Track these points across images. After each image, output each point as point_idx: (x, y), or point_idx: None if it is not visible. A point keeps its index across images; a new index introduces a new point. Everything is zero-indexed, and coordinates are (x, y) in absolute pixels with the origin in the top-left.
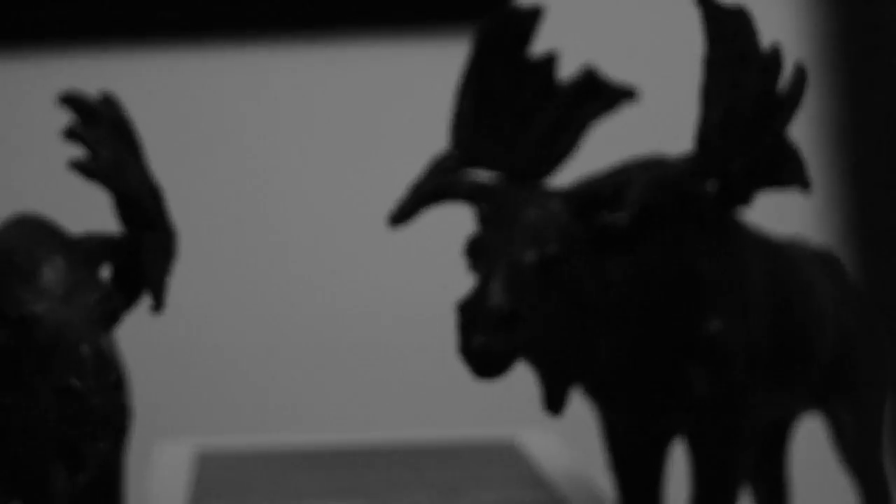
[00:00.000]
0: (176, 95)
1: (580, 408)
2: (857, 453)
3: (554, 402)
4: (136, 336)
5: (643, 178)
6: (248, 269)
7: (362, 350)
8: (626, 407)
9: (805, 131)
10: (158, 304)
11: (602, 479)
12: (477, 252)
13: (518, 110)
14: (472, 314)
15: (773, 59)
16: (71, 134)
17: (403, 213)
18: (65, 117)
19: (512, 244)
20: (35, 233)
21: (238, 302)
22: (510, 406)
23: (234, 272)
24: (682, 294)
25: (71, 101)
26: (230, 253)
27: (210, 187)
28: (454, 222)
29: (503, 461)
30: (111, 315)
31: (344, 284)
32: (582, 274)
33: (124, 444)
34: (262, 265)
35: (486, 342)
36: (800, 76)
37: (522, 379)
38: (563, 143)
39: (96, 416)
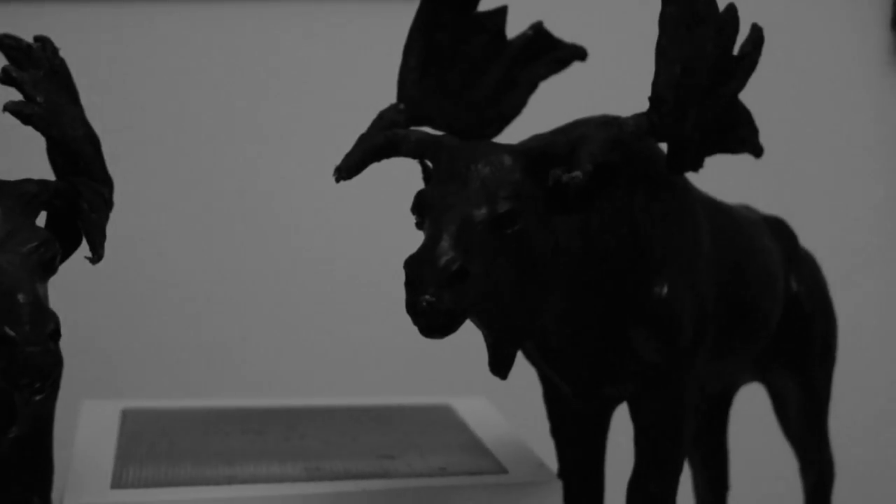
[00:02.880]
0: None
1: (518, 377)
2: (801, 423)
3: (500, 365)
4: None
5: (597, 136)
6: (174, 224)
7: (300, 310)
8: (570, 371)
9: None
10: (96, 255)
11: (538, 448)
12: (425, 208)
13: (466, 66)
14: (420, 271)
15: (730, 19)
16: (6, 77)
17: (350, 167)
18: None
19: (462, 200)
20: None
21: (164, 261)
22: (449, 374)
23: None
24: (631, 256)
25: (5, 44)
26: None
27: (176, 141)
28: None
29: (439, 427)
30: (48, 263)
31: (280, 241)
32: (533, 233)
33: (55, 398)
34: (180, 222)
35: (433, 300)
36: (756, 38)
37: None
38: (511, 101)
39: (31, 367)
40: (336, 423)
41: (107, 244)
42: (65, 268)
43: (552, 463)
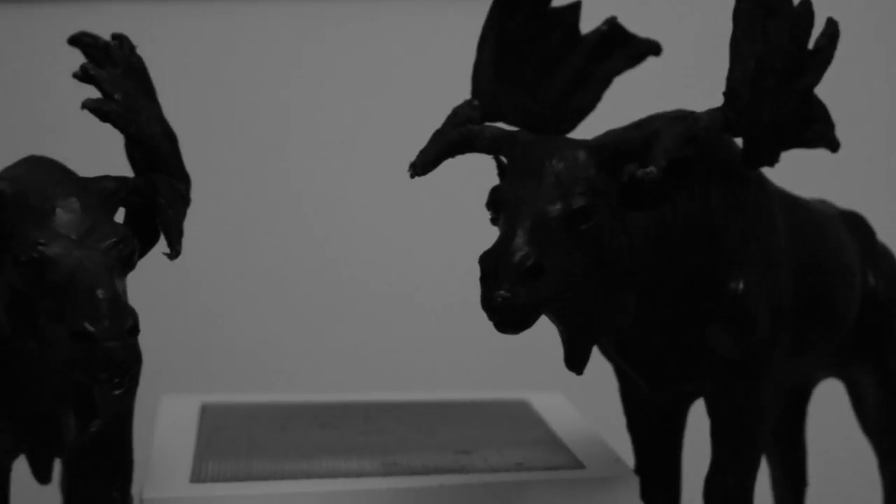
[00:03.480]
0: (202, 43)
1: (594, 371)
2: (880, 419)
3: (575, 360)
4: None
5: (672, 131)
6: (262, 223)
7: (379, 309)
8: (646, 366)
9: None
10: (174, 251)
11: (614, 443)
12: (500, 204)
13: (540, 61)
14: (494, 266)
15: (804, 13)
16: (84, 75)
17: (425, 164)
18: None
19: (537, 196)
20: (49, 174)
21: (250, 259)
22: (526, 369)
23: (248, 225)
24: (707, 251)
25: (82, 42)
26: (243, 205)
27: (227, 138)
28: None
29: (516, 422)
30: (127, 259)
31: (359, 239)
32: (607, 227)
33: (134, 393)
34: (274, 220)
35: (508, 295)
36: (832, 32)
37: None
38: (585, 96)
39: (110, 362)
40: (413, 418)
41: (188, 240)
42: (145, 263)
43: (629, 458)
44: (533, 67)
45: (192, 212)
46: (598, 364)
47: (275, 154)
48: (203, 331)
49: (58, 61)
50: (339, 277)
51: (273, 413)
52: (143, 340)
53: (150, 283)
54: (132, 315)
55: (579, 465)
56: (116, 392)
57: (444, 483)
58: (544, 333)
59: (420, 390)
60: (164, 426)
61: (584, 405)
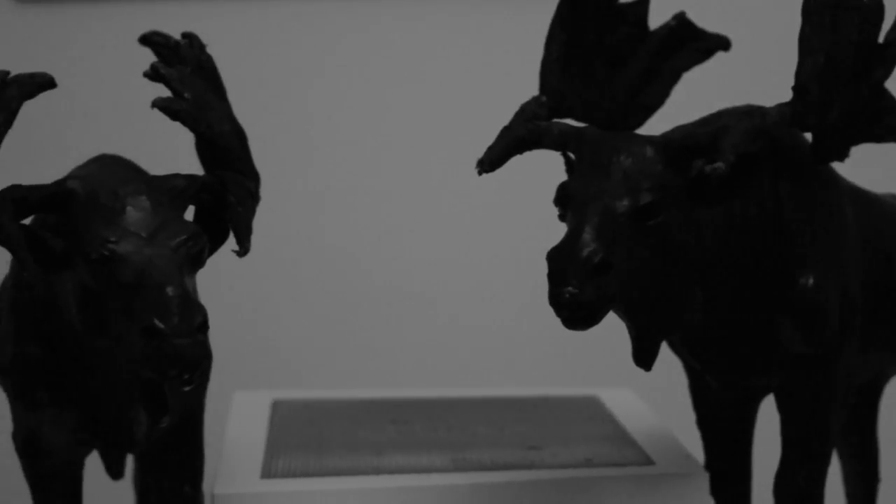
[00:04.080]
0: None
1: (664, 366)
2: None
3: (644, 356)
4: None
5: (740, 126)
6: (328, 220)
7: (449, 305)
8: (716, 362)
9: None
10: (243, 248)
11: (684, 439)
12: (567, 200)
13: (608, 57)
14: (562, 263)
15: (874, 7)
16: (154, 74)
17: (493, 160)
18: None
19: (604, 192)
20: (119, 172)
21: (324, 256)
22: (595, 365)
23: (315, 223)
24: (776, 247)
25: (153, 41)
26: (309, 202)
27: (294, 135)
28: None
29: (585, 418)
30: (197, 257)
31: (429, 237)
32: (675, 224)
33: (205, 389)
34: (348, 218)
35: (576, 291)
36: None
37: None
38: (654, 92)
39: (181, 359)
40: (483, 413)
41: (263, 237)
42: (216, 261)
43: (699, 454)
44: (601, 63)
45: (264, 209)
46: (668, 360)
47: (340, 150)
48: (275, 328)
49: (129, 60)
50: (411, 274)
51: (343, 409)
52: (216, 337)
53: (223, 280)
54: (201, 312)
55: (649, 462)
56: (186, 388)
57: (513, 479)
58: (614, 329)
59: (490, 386)
60: (236, 422)
61: (654, 401)
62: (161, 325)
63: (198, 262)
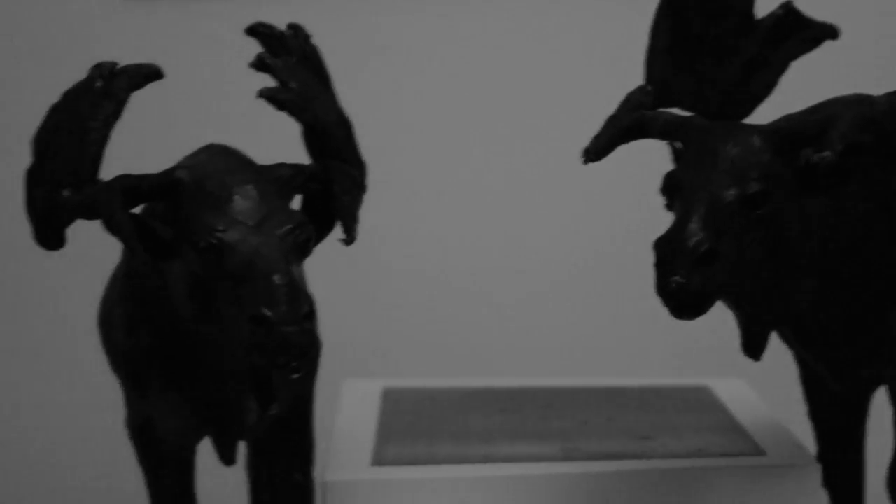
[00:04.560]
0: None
1: (776, 357)
2: None
3: (753, 347)
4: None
5: (848, 115)
6: (442, 209)
7: (559, 294)
8: (827, 353)
9: None
10: (349, 237)
11: (796, 430)
12: (674, 189)
13: (715, 46)
14: (669, 252)
15: None
16: (260, 64)
17: (598, 149)
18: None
19: (711, 181)
20: (226, 161)
21: (434, 243)
22: (707, 355)
23: (429, 211)
24: (887, 236)
25: (259, 32)
26: (426, 194)
27: (409, 125)
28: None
29: (696, 408)
30: (303, 245)
31: (536, 225)
32: (783, 213)
33: (314, 377)
34: (456, 207)
35: (683, 281)
36: None
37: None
38: (761, 82)
39: (288, 347)
40: (593, 403)
41: (367, 225)
42: (323, 250)
43: (810, 445)
44: (707, 53)
45: (373, 199)
46: (780, 350)
47: (443, 141)
48: (386, 315)
49: (236, 51)
50: (520, 262)
51: (453, 397)
52: (327, 325)
53: (334, 268)
54: (308, 300)
55: (760, 452)
56: (294, 377)
57: (624, 469)
58: (726, 319)
59: (601, 375)
60: (347, 410)
61: (766, 392)
62: (268, 314)
63: (304, 250)
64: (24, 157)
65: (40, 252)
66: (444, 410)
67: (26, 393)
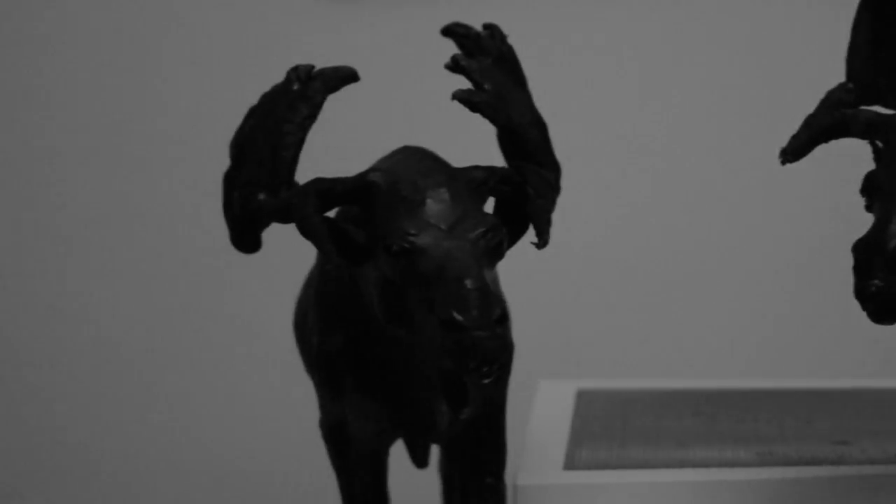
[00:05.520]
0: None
1: None
2: None
3: None
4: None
5: None
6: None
7: (750, 292)
8: None
9: None
10: (542, 240)
11: None
12: (874, 190)
13: None
14: (868, 255)
15: None
16: (455, 66)
17: (796, 149)
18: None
19: None
20: (420, 164)
21: (623, 240)
22: None
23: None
24: None
25: (455, 32)
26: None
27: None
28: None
29: None
30: (496, 249)
31: (732, 221)
32: None
33: (507, 381)
34: (649, 204)
35: (882, 284)
36: None
37: None
38: None
39: (479, 352)
40: (790, 405)
41: (569, 225)
42: (517, 254)
43: None
44: None
45: (566, 199)
46: None
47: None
48: (581, 316)
49: (432, 52)
50: (715, 262)
51: (647, 399)
52: (522, 326)
53: (528, 269)
54: (500, 304)
55: None
56: (485, 381)
57: (820, 475)
58: None
59: (798, 377)
60: (540, 412)
61: None
62: (460, 318)
63: (497, 254)
64: (223, 161)
65: (236, 255)
66: (638, 413)
67: (226, 395)
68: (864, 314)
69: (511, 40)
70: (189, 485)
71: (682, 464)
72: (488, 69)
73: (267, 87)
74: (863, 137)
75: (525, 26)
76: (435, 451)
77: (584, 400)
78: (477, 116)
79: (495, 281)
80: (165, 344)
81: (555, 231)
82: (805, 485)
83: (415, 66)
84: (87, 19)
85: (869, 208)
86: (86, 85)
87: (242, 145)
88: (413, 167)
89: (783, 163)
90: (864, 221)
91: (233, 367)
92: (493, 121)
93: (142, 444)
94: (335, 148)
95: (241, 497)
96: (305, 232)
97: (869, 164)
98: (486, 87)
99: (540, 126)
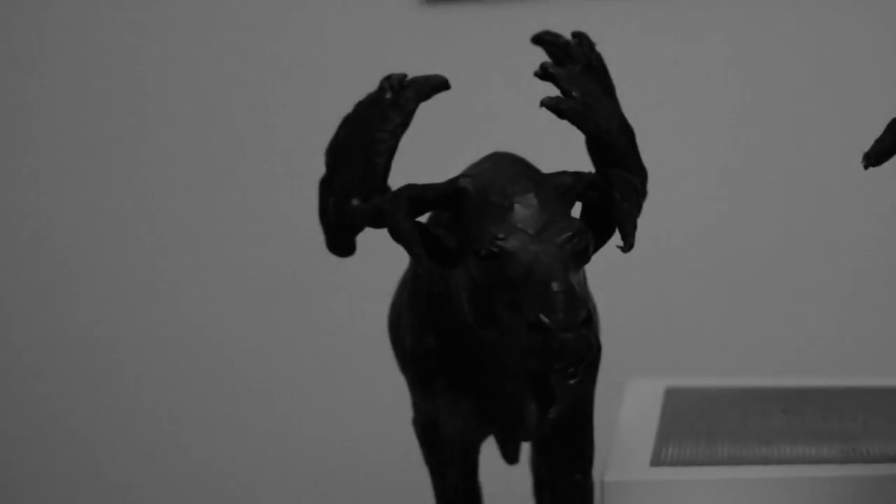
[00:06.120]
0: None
1: None
2: None
3: None
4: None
5: None
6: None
7: (836, 290)
8: None
9: None
10: (627, 244)
11: None
12: None
13: None
14: None
15: None
16: (544, 73)
17: (880, 153)
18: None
19: None
20: (509, 170)
21: (710, 239)
22: None
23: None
24: None
25: (544, 40)
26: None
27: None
28: None
29: None
30: (582, 253)
31: (815, 220)
32: None
33: (594, 379)
34: (733, 202)
35: None
36: None
37: None
38: None
39: (565, 352)
40: (877, 403)
41: (655, 228)
42: (603, 257)
43: None
44: None
45: (653, 200)
46: None
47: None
48: (671, 314)
49: (519, 59)
50: (801, 261)
51: (734, 397)
52: (612, 325)
53: (618, 270)
54: (585, 307)
55: None
56: (571, 381)
57: None
58: None
59: (884, 375)
60: (629, 410)
61: None
62: (546, 321)
63: (583, 257)
64: (320, 168)
65: (333, 259)
66: (724, 410)
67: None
68: None
69: (600, 48)
70: (291, 484)
71: (767, 460)
72: (576, 77)
73: (363, 94)
74: None
75: (615, 32)
76: (526, 448)
77: (672, 398)
78: (565, 122)
79: (581, 284)
80: (266, 345)
81: (644, 230)
82: (889, 482)
83: (507, 71)
84: (189, 21)
85: None
86: (196, 93)
87: (337, 153)
88: (502, 173)
89: (866, 167)
90: None
91: (331, 367)
92: (580, 127)
93: (253, 442)
94: (428, 153)
95: (338, 496)
96: (397, 236)
97: None
98: (573, 94)
99: (627, 132)
